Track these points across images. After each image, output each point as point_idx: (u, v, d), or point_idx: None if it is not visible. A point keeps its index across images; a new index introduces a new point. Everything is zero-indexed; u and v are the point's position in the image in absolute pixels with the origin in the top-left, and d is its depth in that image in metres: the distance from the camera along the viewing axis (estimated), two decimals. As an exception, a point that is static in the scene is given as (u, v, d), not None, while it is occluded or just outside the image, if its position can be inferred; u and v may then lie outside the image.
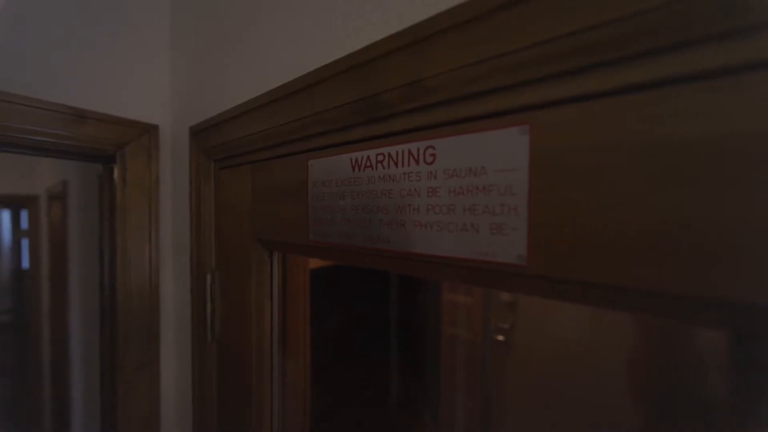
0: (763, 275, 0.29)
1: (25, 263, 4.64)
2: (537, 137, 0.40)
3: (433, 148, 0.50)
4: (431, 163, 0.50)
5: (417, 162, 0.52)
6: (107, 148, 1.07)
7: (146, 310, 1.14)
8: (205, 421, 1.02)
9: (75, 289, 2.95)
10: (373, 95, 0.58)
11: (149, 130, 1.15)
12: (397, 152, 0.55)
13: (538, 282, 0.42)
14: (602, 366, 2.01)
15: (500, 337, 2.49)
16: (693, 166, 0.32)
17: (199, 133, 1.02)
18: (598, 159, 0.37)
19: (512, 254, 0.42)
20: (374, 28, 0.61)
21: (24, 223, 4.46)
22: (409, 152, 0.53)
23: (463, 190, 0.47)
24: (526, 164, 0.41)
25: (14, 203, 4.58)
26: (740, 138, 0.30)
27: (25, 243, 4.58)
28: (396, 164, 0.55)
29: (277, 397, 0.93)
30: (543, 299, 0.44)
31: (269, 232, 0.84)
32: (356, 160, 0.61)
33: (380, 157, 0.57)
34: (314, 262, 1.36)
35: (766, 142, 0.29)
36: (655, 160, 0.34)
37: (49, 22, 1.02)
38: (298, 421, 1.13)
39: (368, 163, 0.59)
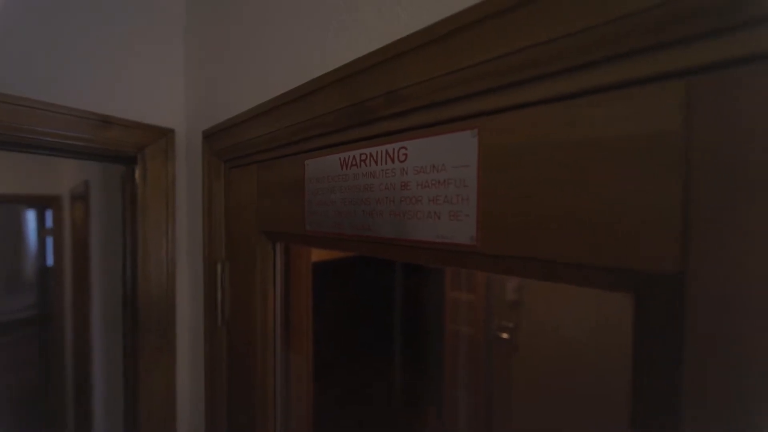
0: (653, 249, 0.37)
1: (50, 261, 4.87)
2: (484, 139, 0.49)
3: (405, 148, 0.59)
4: (403, 161, 0.59)
5: (392, 161, 0.61)
6: (129, 150, 1.19)
7: (163, 297, 1.25)
8: (216, 396, 1.13)
9: (97, 284, 3.12)
10: (359, 102, 0.67)
11: (166, 134, 1.26)
12: (377, 152, 0.64)
13: (486, 259, 0.50)
14: (605, 364, 2.05)
15: (504, 335, 2.54)
16: (599, 161, 0.40)
17: (210, 136, 1.13)
18: (529, 156, 0.45)
19: (466, 236, 0.51)
20: (359, 44, 0.70)
21: (48, 222, 4.69)
22: (386, 152, 0.62)
23: (429, 183, 0.55)
24: (475, 161, 0.49)
25: (39, 203, 4.83)
26: (632, 139, 0.38)
27: (49, 241, 4.81)
28: (376, 162, 0.64)
29: (281, 374, 1.03)
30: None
31: (272, 225, 0.94)
32: (344, 160, 0.70)
33: (363, 157, 0.66)
34: (317, 256, 1.46)
35: (651, 142, 0.37)
36: (571, 156, 0.42)
37: (79, 36, 1.14)
38: (301, 398, 1.23)
39: (354, 162, 0.68)
